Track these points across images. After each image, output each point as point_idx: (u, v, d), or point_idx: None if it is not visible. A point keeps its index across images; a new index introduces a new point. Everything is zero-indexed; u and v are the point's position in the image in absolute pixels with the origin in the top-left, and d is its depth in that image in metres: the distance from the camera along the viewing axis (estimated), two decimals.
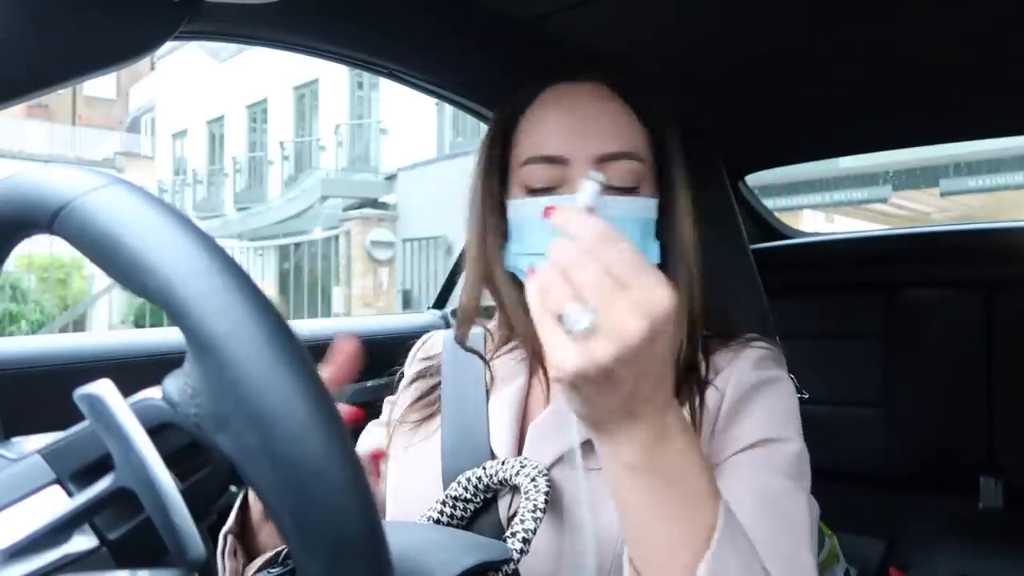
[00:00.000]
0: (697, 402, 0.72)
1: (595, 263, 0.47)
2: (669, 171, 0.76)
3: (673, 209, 0.75)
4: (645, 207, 0.73)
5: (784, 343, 0.82)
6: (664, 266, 0.73)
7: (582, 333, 0.46)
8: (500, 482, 0.72)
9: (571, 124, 0.73)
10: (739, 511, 0.66)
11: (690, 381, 0.74)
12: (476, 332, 0.88)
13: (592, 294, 0.47)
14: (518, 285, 0.76)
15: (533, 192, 0.74)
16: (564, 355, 0.47)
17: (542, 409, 0.78)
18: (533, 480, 0.69)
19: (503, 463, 0.73)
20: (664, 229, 0.74)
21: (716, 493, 0.54)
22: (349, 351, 0.64)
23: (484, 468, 0.73)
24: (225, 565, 0.74)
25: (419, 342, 0.95)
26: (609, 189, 0.70)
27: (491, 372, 0.83)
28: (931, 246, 1.77)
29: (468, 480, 0.73)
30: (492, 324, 0.88)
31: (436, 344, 0.92)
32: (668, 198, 0.75)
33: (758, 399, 0.73)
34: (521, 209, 0.74)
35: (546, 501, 0.67)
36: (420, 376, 0.88)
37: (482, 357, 0.84)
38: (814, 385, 0.79)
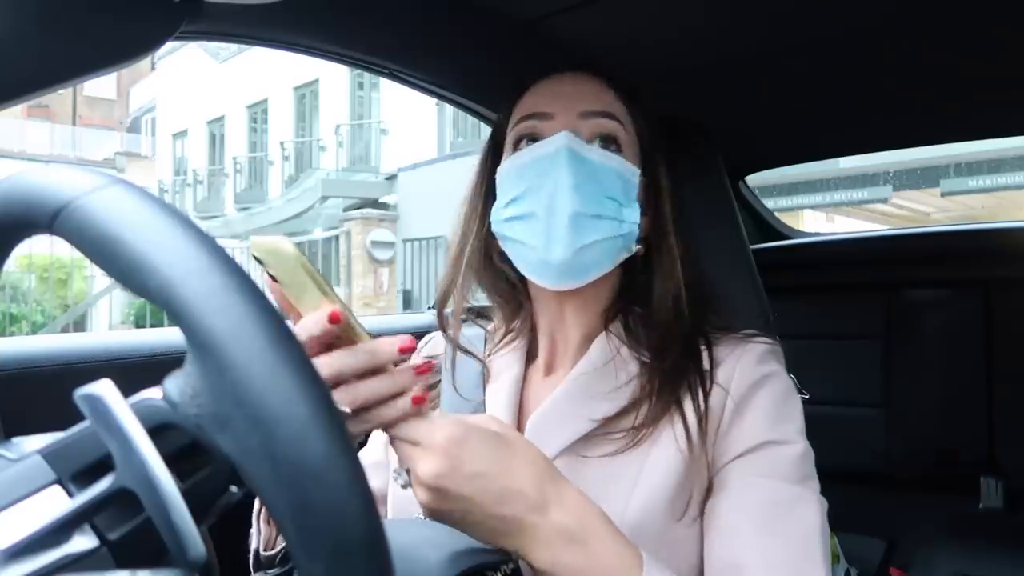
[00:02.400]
0: (700, 395, 0.73)
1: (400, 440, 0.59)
2: (651, 156, 0.82)
3: (658, 190, 0.81)
4: (624, 166, 0.78)
5: (784, 343, 0.82)
6: (648, 242, 0.81)
7: (408, 485, 0.58)
8: None
9: (557, 89, 0.81)
10: (742, 523, 0.67)
11: (690, 370, 0.75)
12: (476, 334, 0.89)
13: (403, 458, 0.58)
14: (490, 262, 0.83)
15: (517, 146, 0.80)
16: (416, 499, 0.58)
17: (540, 400, 0.79)
18: None
19: None
20: (649, 208, 0.81)
21: (635, 554, 0.60)
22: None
23: None
24: (260, 529, 0.75)
25: (421, 343, 0.96)
26: (592, 142, 0.77)
27: (487, 368, 0.84)
28: (931, 246, 1.76)
29: None
30: (491, 326, 0.89)
31: (437, 346, 0.93)
32: (652, 179, 0.81)
33: (759, 396, 0.74)
34: (507, 166, 0.80)
35: None
36: None
37: (476, 356, 0.85)
38: (814, 385, 0.79)
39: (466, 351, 0.85)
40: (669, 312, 0.77)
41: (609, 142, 0.78)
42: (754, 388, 0.74)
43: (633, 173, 0.78)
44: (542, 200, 0.75)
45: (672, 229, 0.80)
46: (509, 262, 0.81)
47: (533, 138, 0.79)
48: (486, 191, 0.84)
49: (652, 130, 0.83)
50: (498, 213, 0.80)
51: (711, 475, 0.72)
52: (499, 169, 0.81)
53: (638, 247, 0.80)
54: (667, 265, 0.79)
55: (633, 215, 0.77)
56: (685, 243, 0.81)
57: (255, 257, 0.58)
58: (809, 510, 0.68)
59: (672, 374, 0.74)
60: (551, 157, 0.75)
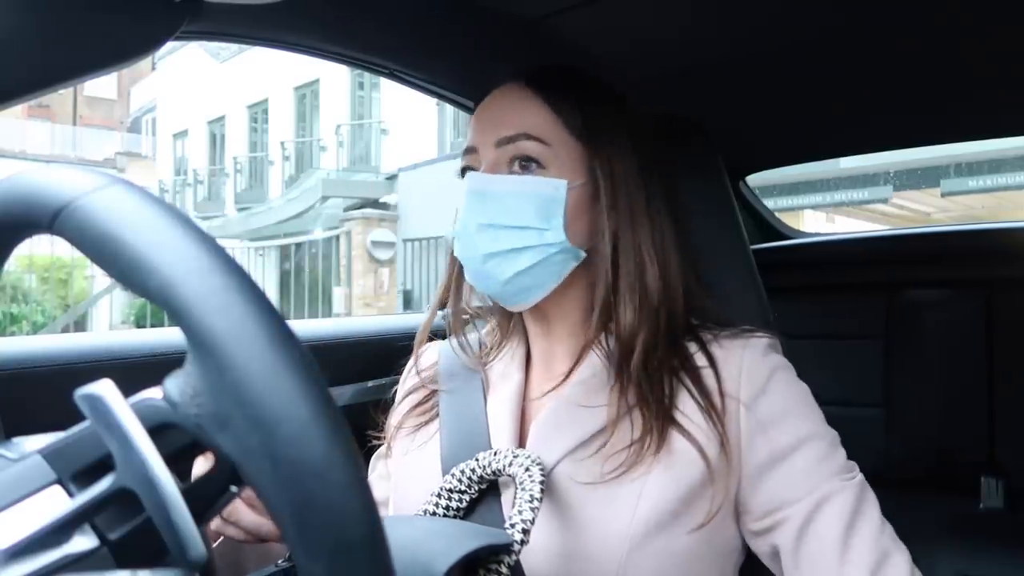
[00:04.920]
0: (704, 398, 0.73)
1: None
2: (595, 157, 0.79)
3: (609, 190, 0.79)
4: (542, 184, 0.77)
5: (784, 343, 0.82)
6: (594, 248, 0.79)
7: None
8: (494, 472, 0.72)
9: (483, 118, 0.82)
10: (827, 548, 0.69)
11: (674, 366, 0.75)
12: (471, 340, 0.89)
13: None
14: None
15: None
16: None
17: (541, 406, 0.78)
18: (527, 470, 0.69)
19: (495, 453, 0.73)
20: (608, 215, 0.79)
21: None
22: None
23: (477, 459, 0.73)
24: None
25: (414, 356, 0.95)
26: (512, 167, 0.78)
27: (486, 375, 0.84)
28: (932, 246, 1.76)
29: (462, 472, 0.73)
30: (485, 331, 0.89)
31: (432, 355, 0.92)
32: (600, 180, 0.79)
33: (776, 392, 0.74)
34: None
35: (542, 490, 0.67)
36: (416, 388, 0.89)
37: (474, 364, 0.85)
38: (814, 385, 0.79)
39: (464, 356, 0.86)
40: (624, 315, 0.76)
41: (528, 162, 0.77)
42: (766, 386, 0.74)
43: (557, 186, 0.76)
44: (460, 242, 0.78)
45: (607, 232, 0.78)
46: None
47: (466, 173, 0.81)
48: None
49: (598, 126, 0.80)
50: (453, 242, 0.81)
51: (745, 483, 0.73)
52: None
53: (587, 253, 0.79)
54: (603, 270, 0.78)
55: (556, 233, 0.76)
56: (661, 242, 0.79)
57: None
58: (870, 499, 0.72)
59: (650, 383, 0.73)
60: (463, 200, 0.77)
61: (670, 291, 0.78)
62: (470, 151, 0.81)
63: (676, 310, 0.78)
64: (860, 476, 0.73)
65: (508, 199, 0.76)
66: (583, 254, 0.79)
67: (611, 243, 0.77)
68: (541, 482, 0.67)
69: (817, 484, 0.70)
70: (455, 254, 0.81)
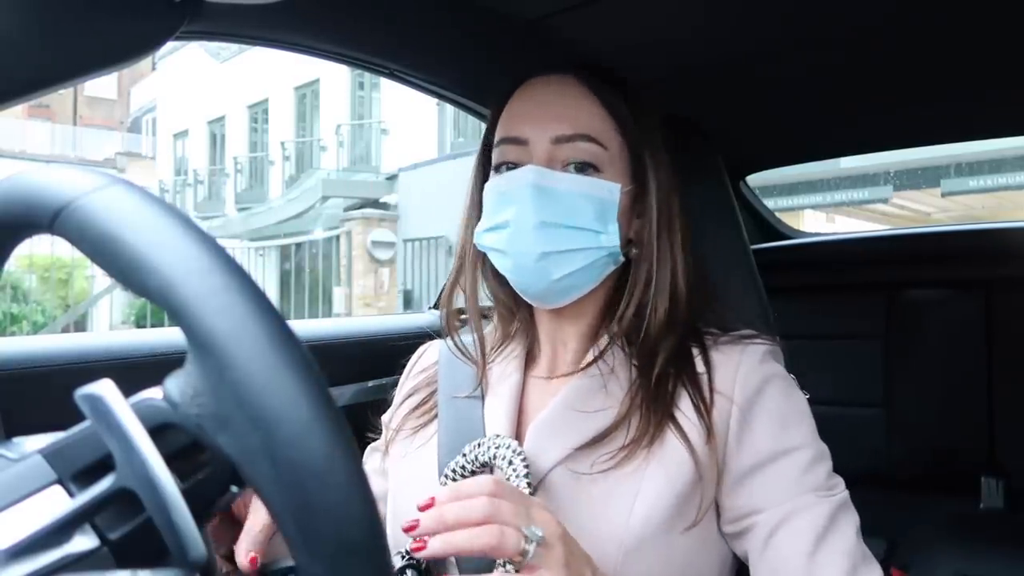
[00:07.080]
0: (700, 403, 0.73)
1: (508, 503, 0.57)
2: (642, 161, 0.79)
3: (646, 198, 0.79)
4: (600, 188, 0.76)
5: (784, 343, 0.82)
6: (631, 251, 0.79)
7: (541, 540, 0.57)
8: (482, 465, 0.72)
9: (534, 110, 0.78)
10: (791, 557, 0.68)
11: (681, 379, 0.75)
12: (467, 340, 0.88)
13: (522, 520, 0.57)
14: (485, 260, 0.83)
15: (498, 169, 0.79)
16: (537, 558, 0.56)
17: (540, 408, 0.78)
18: (511, 463, 0.69)
19: (479, 444, 0.72)
20: (640, 217, 0.80)
21: None
22: None
23: (464, 455, 0.73)
24: None
25: (415, 355, 0.95)
26: (567, 167, 0.76)
27: (485, 375, 0.83)
28: (932, 246, 1.76)
29: (452, 471, 0.73)
30: (488, 329, 0.89)
31: (432, 355, 0.92)
32: (642, 188, 0.79)
33: (767, 401, 0.74)
34: (488, 188, 0.79)
35: (528, 483, 0.67)
36: (416, 390, 0.89)
37: (474, 362, 0.84)
38: (814, 385, 0.79)
39: (465, 356, 0.85)
40: (655, 318, 0.77)
41: (585, 166, 0.76)
42: (759, 393, 0.74)
43: (613, 190, 0.76)
44: (511, 237, 0.75)
45: (654, 237, 0.78)
46: None
47: (510, 164, 0.78)
48: (479, 202, 0.82)
49: (645, 130, 0.80)
50: (480, 234, 0.79)
51: (725, 484, 0.72)
52: (485, 186, 0.80)
53: (630, 253, 0.80)
54: (645, 274, 0.78)
55: (612, 237, 0.76)
56: (682, 245, 0.79)
57: None
58: (848, 517, 0.70)
59: (659, 385, 0.74)
60: (517, 194, 0.75)
61: (693, 296, 0.79)
62: (517, 142, 0.77)
63: (690, 315, 0.79)
64: (843, 494, 0.72)
65: (571, 198, 0.74)
66: (623, 258, 0.79)
67: (652, 248, 0.78)
68: (527, 475, 0.67)
69: (789, 497, 0.70)
70: (495, 247, 0.78)
